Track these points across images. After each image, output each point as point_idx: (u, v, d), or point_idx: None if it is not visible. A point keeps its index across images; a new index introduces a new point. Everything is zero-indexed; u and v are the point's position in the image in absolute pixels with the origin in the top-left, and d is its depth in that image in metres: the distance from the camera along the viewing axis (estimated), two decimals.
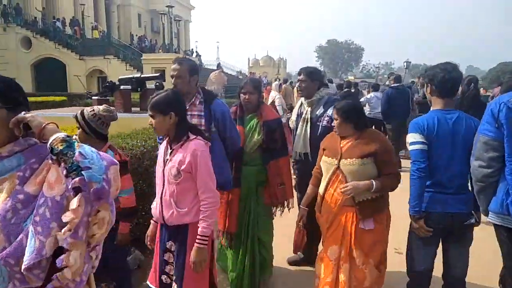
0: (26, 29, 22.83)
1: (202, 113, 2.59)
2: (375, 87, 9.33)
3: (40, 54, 22.87)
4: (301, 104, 3.28)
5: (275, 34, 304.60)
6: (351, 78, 48.02)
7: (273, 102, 7.83)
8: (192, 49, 40.01)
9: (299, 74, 3.22)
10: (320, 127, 3.04)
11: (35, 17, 24.08)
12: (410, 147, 2.24)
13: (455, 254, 2.29)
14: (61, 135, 1.02)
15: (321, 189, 2.55)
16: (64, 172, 0.98)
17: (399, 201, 2.74)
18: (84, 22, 24.58)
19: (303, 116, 3.18)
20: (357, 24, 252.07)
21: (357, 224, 2.37)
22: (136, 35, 31.70)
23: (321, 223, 2.58)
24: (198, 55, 34.46)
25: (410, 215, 2.25)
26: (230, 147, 2.72)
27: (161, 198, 2.10)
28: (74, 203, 0.96)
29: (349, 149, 2.40)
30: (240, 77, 29.96)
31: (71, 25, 24.50)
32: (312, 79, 3.13)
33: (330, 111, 2.94)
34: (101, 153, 1.06)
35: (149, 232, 2.28)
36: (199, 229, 2.02)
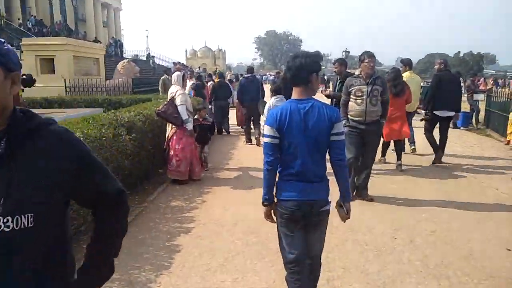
0: None
1: None
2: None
3: None
4: None
5: (213, 24, 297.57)
6: None
7: (172, 99, 5.63)
8: (113, 37, 37.20)
9: None
10: None
11: None
12: (264, 139, 2.37)
13: (314, 237, 2.42)
14: None
15: None
16: None
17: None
18: None
19: None
20: (296, 16, 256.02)
21: None
22: (56, 22, 28.52)
23: None
24: (120, 45, 31.99)
25: (262, 202, 2.40)
26: None
27: None
28: None
29: None
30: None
31: None
32: None
33: None
34: None
35: None
36: None
